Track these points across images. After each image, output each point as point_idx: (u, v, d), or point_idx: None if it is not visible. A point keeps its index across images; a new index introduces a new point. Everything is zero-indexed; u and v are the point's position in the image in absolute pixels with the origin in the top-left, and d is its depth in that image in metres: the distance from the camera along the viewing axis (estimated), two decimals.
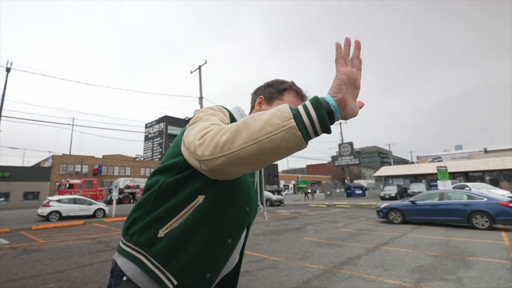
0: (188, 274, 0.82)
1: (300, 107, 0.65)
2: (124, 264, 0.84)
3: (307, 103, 0.65)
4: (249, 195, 0.93)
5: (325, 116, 0.63)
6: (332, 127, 0.67)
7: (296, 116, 0.62)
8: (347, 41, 0.76)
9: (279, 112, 0.62)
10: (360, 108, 0.80)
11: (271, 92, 1.06)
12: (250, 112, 1.12)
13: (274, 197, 22.00)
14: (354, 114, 0.75)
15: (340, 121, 27.88)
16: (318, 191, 59.11)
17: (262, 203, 1.07)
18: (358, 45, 0.77)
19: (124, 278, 0.83)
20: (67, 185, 28.92)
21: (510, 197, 13.06)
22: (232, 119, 0.92)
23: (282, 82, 1.08)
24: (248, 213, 0.93)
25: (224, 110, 0.91)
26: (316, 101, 0.64)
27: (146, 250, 0.82)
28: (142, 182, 33.49)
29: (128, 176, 44.85)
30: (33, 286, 4.16)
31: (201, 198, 0.82)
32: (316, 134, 0.64)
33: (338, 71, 0.72)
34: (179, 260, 0.81)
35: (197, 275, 0.84)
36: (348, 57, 0.75)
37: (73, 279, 4.46)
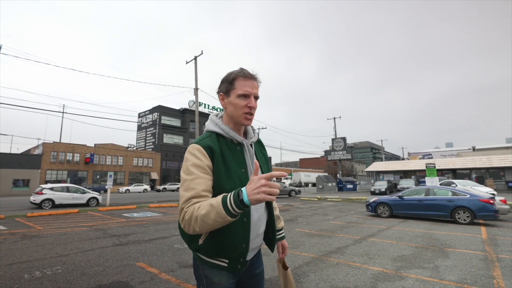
0: (231, 253, 1.20)
1: (229, 207, 0.97)
2: (198, 258, 1.28)
3: (233, 203, 0.96)
4: (243, 183, 1.19)
5: (243, 208, 0.97)
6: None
7: (228, 214, 0.97)
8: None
9: (218, 213, 0.98)
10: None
11: (225, 86, 1.28)
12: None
13: (297, 189, 25.64)
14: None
15: (334, 116, 27.81)
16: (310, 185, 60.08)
17: None
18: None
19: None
20: None
21: (492, 194, 13.70)
22: (211, 150, 1.19)
23: (230, 74, 1.28)
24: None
25: (202, 151, 1.18)
26: (237, 204, 0.96)
27: (200, 253, 1.24)
28: None
29: (120, 166, 44.68)
30: (40, 268, 4.39)
31: None
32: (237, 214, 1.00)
33: (259, 178, 0.95)
34: (221, 251, 1.19)
35: (237, 250, 1.20)
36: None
37: (78, 262, 4.70)
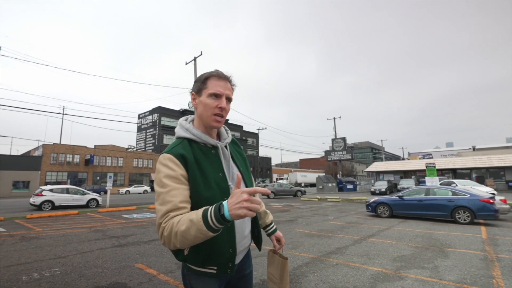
0: (219, 259, 1.17)
1: (210, 222, 0.92)
2: (185, 267, 1.24)
3: (214, 218, 0.92)
4: (221, 188, 1.19)
5: (224, 223, 0.93)
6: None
7: (210, 230, 0.93)
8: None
9: (199, 230, 0.93)
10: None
11: (197, 85, 1.25)
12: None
13: (302, 189, 26.08)
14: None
15: (334, 116, 28.13)
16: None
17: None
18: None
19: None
20: None
21: (492, 193, 13.67)
22: (184, 159, 1.14)
23: (204, 73, 1.26)
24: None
25: (174, 161, 1.12)
26: (218, 219, 0.91)
27: (187, 262, 1.20)
28: None
29: (120, 167, 44.67)
30: (38, 270, 4.38)
31: None
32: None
33: (242, 192, 0.91)
34: (208, 259, 1.16)
35: (224, 256, 1.17)
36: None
37: (76, 264, 4.69)
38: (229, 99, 1.24)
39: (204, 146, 1.25)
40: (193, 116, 1.35)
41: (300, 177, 59.76)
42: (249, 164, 1.49)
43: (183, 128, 1.27)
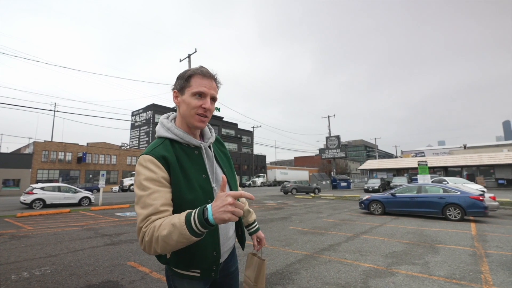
0: (202, 263, 1.14)
1: (193, 226, 0.89)
2: (169, 269, 1.22)
3: (198, 222, 0.89)
4: (205, 190, 1.15)
5: (208, 227, 0.90)
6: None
7: (193, 235, 0.90)
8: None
9: (182, 234, 0.90)
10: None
11: (180, 83, 1.18)
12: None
13: (319, 186, 26.61)
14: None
15: (328, 114, 28.42)
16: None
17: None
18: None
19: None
20: None
21: (482, 191, 13.93)
22: (166, 161, 1.09)
23: (187, 70, 1.19)
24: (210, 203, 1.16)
25: (155, 162, 1.07)
26: (202, 223, 0.89)
27: (170, 265, 1.18)
28: None
29: (113, 165, 44.19)
30: (28, 269, 4.31)
31: None
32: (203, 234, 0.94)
33: (227, 195, 0.88)
34: (191, 263, 1.14)
35: (208, 259, 1.15)
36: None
37: (67, 263, 4.63)
38: (213, 99, 1.19)
39: (187, 147, 1.20)
40: (175, 113, 1.30)
41: (279, 174, 55.98)
42: (233, 163, 1.45)
43: (165, 127, 1.21)
